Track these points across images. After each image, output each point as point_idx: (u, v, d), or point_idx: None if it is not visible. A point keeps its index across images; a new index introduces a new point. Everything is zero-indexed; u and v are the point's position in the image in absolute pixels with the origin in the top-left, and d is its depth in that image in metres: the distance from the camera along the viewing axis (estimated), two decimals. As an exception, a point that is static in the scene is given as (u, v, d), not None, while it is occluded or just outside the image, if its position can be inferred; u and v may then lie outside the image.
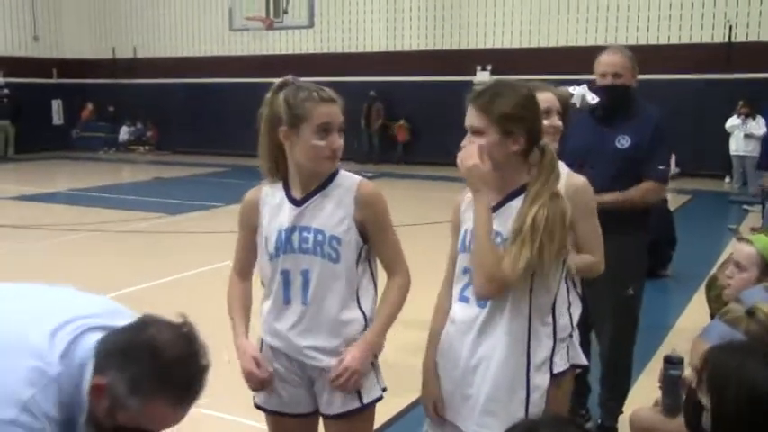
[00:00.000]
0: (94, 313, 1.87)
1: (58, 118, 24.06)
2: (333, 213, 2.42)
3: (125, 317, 1.88)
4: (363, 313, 2.47)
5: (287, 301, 2.47)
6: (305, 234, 2.42)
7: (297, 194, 2.47)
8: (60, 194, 14.68)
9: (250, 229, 2.56)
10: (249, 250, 2.60)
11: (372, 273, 2.52)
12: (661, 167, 3.85)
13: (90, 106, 23.93)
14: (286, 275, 2.45)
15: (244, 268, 2.65)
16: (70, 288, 2.06)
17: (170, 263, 8.54)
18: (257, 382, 2.52)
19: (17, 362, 1.71)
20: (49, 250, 9.25)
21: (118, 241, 9.95)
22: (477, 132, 2.26)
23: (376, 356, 2.53)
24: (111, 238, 10.09)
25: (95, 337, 1.77)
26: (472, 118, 2.28)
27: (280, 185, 2.51)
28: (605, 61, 3.82)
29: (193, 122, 22.13)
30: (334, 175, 2.47)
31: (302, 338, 2.45)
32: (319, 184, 2.45)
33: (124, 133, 23.23)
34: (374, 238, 2.47)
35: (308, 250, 2.42)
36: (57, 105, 24.00)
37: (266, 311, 2.53)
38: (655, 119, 3.88)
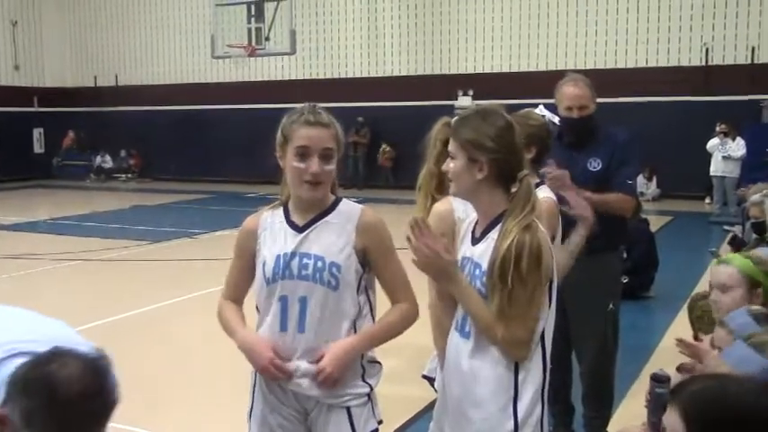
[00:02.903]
0: (34, 339, 1.86)
1: (39, 146, 23.93)
2: (334, 240, 2.41)
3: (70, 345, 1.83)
4: None
5: (283, 329, 2.44)
6: (305, 260, 2.40)
7: (297, 220, 2.46)
8: (40, 223, 14.56)
9: (248, 254, 2.52)
10: (244, 277, 2.56)
11: (371, 304, 2.50)
12: (629, 182, 4.01)
13: (71, 135, 23.83)
14: (284, 302, 2.42)
15: (235, 295, 2.60)
16: (27, 311, 2.07)
17: (151, 291, 8.48)
18: (278, 373, 2.39)
19: None
20: (29, 280, 9.15)
21: (99, 270, 9.87)
22: (451, 157, 2.32)
23: (372, 388, 2.51)
24: (93, 267, 10.00)
25: (20, 361, 1.75)
26: (450, 142, 2.35)
27: (280, 211, 2.50)
28: (571, 94, 3.91)
29: (176, 150, 22.07)
30: (336, 202, 2.47)
31: (298, 372, 2.41)
32: (321, 211, 2.45)
33: (103, 161, 23.11)
34: (377, 266, 2.45)
35: (308, 277, 2.39)
36: (38, 134, 23.88)
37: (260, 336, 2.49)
38: (620, 140, 4.03)
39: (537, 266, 2.16)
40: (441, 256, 2.26)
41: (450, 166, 2.32)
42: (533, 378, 2.27)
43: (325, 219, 2.44)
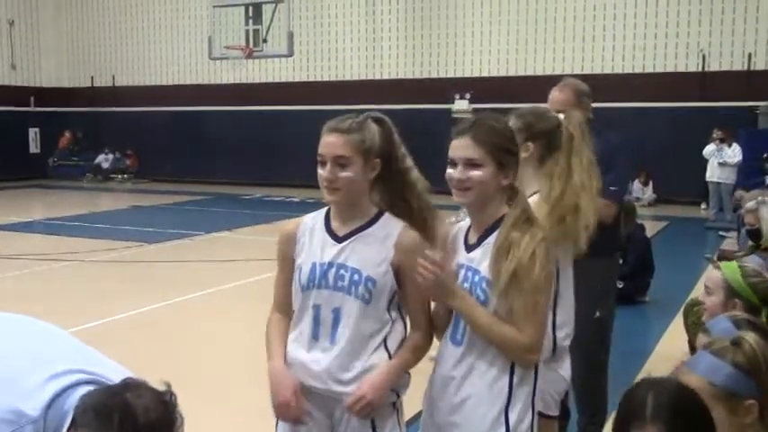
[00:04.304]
0: (93, 371, 1.90)
1: (35, 146, 23.88)
2: (372, 254, 2.37)
3: (119, 376, 1.89)
4: (389, 357, 2.40)
5: (315, 337, 2.41)
6: (342, 272, 2.37)
7: (338, 229, 2.42)
8: (36, 224, 14.54)
9: (290, 260, 2.49)
10: (290, 286, 2.51)
11: (404, 319, 2.45)
12: (612, 188, 3.92)
13: (68, 135, 23.79)
14: (317, 311, 2.40)
15: (283, 306, 2.55)
16: (65, 333, 2.12)
17: (149, 292, 8.46)
18: (289, 416, 2.41)
19: (4, 399, 1.79)
20: (25, 281, 9.13)
21: (96, 271, 9.85)
22: (474, 164, 2.24)
23: (399, 396, 2.47)
24: (88, 268, 9.98)
25: (85, 390, 1.79)
26: (467, 149, 2.25)
27: (321, 216, 2.47)
28: (551, 99, 3.96)
29: (173, 151, 22.05)
30: (379, 215, 2.42)
31: (327, 375, 2.39)
32: (362, 222, 2.41)
33: (102, 161, 23.09)
34: (406, 286, 2.40)
35: (343, 288, 2.37)
36: (34, 134, 23.83)
37: (291, 341, 2.48)
38: (609, 145, 3.99)
39: (550, 270, 2.21)
40: (439, 274, 2.24)
41: (471, 174, 2.25)
42: (527, 383, 2.27)
43: (366, 231, 2.40)
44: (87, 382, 1.83)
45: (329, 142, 2.35)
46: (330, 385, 2.38)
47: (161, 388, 1.75)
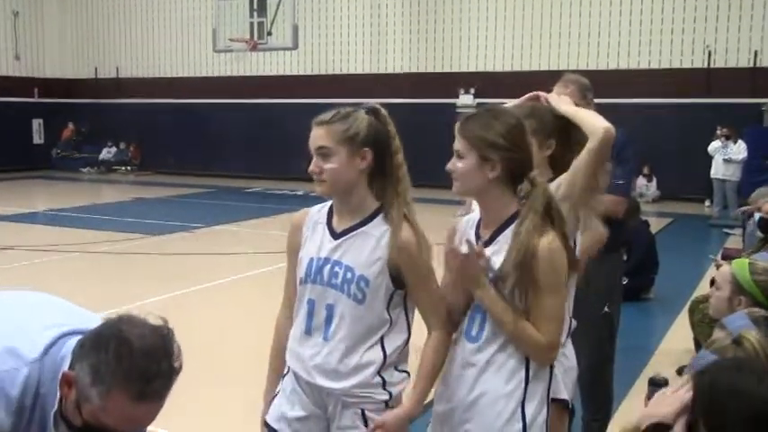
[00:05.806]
0: (86, 326, 1.91)
1: (38, 137, 23.89)
2: (367, 253, 2.31)
3: None
4: (385, 356, 2.34)
5: (308, 332, 2.39)
6: (336, 269, 2.33)
7: (337, 225, 2.39)
8: (39, 215, 14.54)
9: (296, 252, 2.47)
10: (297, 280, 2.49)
11: (408, 317, 2.39)
12: (619, 182, 3.90)
13: (71, 126, 23.79)
14: (311, 306, 2.38)
15: (291, 302, 2.50)
16: (56, 297, 2.18)
17: (151, 284, 8.46)
18: None
19: (2, 342, 1.83)
20: (27, 272, 9.13)
21: (98, 262, 9.85)
22: (459, 156, 2.30)
23: (392, 396, 2.41)
24: (91, 260, 9.98)
25: (78, 338, 1.82)
26: (456, 142, 2.32)
27: (326, 210, 2.44)
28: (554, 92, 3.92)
29: (176, 143, 22.04)
30: (377, 213, 2.35)
31: (318, 370, 2.37)
32: (361, 219, 2.35)
33: (105, 153, 23.11)
34: (410, 287, 2.33)
35: (336, 285, 2.33)
36: (37, 125, 23.84)
37: (291, 332, 2.47)
38: (617, 140, 3.94)
39: (567, 270, 2.23)
40: (474, 264, 2.24)
41: (457, 165, 2.30)
42: (542, 377, 2.29)
43: (363, 228, 2.34)
44: (80, 332, 1.84)
45: (313, 135, 2.33)
46: (322, 381, 2.36)
47: (157, 322, 1.78)
